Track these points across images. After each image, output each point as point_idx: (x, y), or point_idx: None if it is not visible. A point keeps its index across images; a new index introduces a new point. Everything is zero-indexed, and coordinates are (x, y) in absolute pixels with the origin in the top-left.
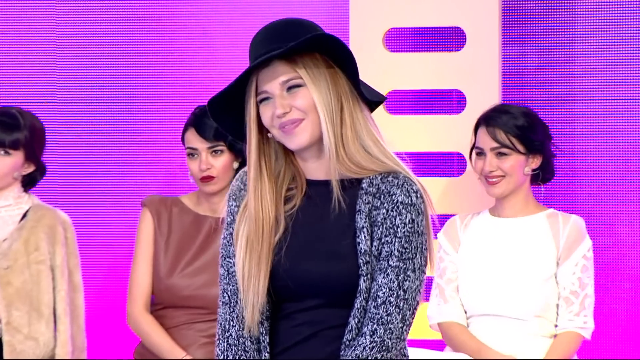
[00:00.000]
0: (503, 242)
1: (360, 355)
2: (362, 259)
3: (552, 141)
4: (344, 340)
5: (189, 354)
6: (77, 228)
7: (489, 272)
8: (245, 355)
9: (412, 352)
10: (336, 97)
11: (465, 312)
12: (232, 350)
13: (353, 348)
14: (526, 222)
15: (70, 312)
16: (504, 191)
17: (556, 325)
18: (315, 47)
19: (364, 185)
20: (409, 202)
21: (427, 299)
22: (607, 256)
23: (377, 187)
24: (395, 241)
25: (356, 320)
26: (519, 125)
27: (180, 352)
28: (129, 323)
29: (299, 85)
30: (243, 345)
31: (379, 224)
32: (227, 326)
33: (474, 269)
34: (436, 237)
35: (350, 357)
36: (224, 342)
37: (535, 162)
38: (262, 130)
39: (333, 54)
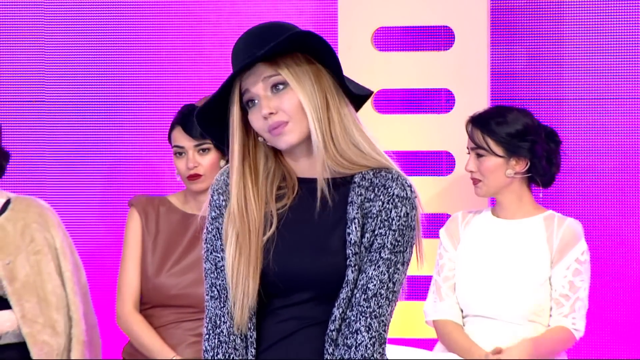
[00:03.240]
0: (499, 243)
1: (366, 355)
2: (350, 250)
3: (556, 146)
4: (328, 331)
5: (177, 353)
6: (65, 228)
7: (484, 273)
8: (235, 354)
9: (401, 351)
10: (321, 95)
11: (462, 311)
12: (222, 347)
13: (354, 347)
14: (522, 225)
15: (79, 291)
16: (485, 192)
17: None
18: (297, 47)
19: (356, 179)
20: (405, 195)
21: (420, 297)
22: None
23: (370, 181)
24: (389, 234)
25: (340, 310)
26: (498, 128)
27: (169, 352)
28: (119, 323)
29: (283, 84)
30: (234, 343)
31: (374, 215)
32: (218, 322)
33: (470, 269)
34: (438, 235)
35: (357, 358)
36: (215, 338)
37: (520, 165)
38: (247, 134)
39: (315, 53)
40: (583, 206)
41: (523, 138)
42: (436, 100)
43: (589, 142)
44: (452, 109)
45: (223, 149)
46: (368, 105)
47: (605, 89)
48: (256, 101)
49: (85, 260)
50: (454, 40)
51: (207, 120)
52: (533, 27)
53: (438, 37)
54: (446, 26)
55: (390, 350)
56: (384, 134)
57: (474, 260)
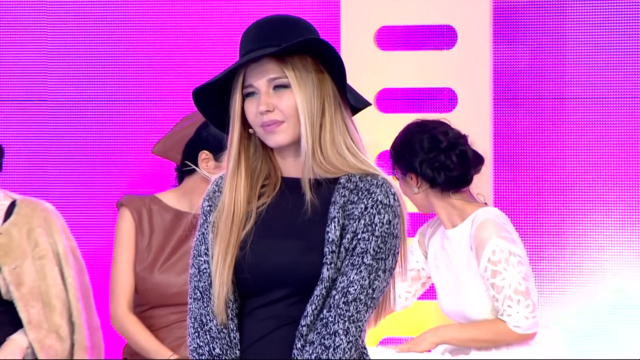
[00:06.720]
0: (444, 255)
1: (343, 358)
2: (328, 248)
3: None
4: (299, 327)
5: (182, 353)
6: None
7: (440, 286)
8: (230, 351)
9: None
10: (319, 101)
11: None
12: (216, 343)
13: (332, 349)
14: (454, 233)
15: (82, 295)
16: (423, 211)
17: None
18: (307, 49)
19: (341, 181)
20: (388, 202)
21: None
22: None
23: (355, 184)
24: (372, 239)
25: (313, 307)
26: (391, 155)
27: (166, 351)
28: (113, 324)
29: (285, 86)
30: (226, 340)
31: (356, 217)
32: (204, 320)
33: (436, 282)
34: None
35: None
36: (205, 334)
37: (413, 179)
38: (244, 125)
39: (323, 58)
40: (587, 197)
41: (402, 155)
42: (438, 100)
43: (589, 143)
44: (454, 108)
45: None
46: (370, 105)
47: (608, 88)
48: (255, 93)
49: (86, 260)
50: (456, 40)
51: (204, 100)
52: (536, 26)
53: (440, 36)
54: (449, 25)
55: (388, 351)
56: (387, 133)
57: (434, 274)
